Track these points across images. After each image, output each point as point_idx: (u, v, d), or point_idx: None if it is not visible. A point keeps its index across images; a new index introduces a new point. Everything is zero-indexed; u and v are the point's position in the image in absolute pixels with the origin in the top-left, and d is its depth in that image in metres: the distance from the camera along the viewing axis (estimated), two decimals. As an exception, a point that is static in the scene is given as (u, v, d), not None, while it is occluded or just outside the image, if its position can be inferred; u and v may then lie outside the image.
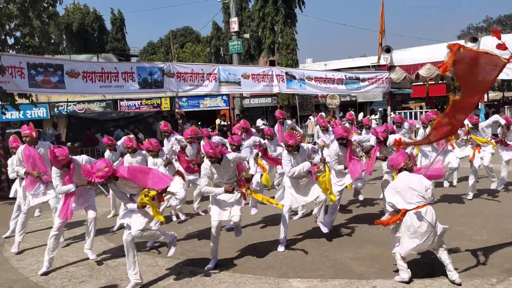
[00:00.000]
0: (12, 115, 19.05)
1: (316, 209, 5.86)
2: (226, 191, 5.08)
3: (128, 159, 7.13)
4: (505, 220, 6.54)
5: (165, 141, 8.36)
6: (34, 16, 10.92)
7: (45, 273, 5.20)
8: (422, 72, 16.31)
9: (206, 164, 5.20)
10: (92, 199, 5.80)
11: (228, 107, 25.10)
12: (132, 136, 8.30)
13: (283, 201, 5.89)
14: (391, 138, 6.37)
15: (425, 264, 4.93)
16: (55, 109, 22.32)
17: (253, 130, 9.99)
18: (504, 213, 6.94)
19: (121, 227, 6.31)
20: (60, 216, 5.38)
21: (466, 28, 43.90)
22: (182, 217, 7.54)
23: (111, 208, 8.09)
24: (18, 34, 11.21)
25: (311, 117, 23.81)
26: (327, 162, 6.09)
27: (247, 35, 26.21)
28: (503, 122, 8.15)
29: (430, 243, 4.33)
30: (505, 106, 15.95)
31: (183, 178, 7.09)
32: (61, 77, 10.83)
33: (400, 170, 4.62)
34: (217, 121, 20.68)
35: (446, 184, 8.45)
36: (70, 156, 5.41)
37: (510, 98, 27.79)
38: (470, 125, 8.02)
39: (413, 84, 24.54)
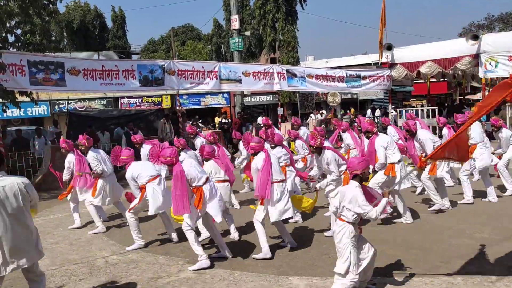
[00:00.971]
0: (13, 112, 19.11)
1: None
2: None
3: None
4: (506, 219, 6.54)
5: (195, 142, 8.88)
6: (35, 13, 10.93)
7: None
8: (423, 69, 16.27)
9: None
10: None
11: (229, 105, 25.08)
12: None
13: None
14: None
15: (426, 262, 4.93)
16: (56, 107, 22.33)
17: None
18: (505, 212, 6.93)
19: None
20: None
21: (468, 26, 43.81)
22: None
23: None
24: (18, 31, 11.24)
25: (312, 114, 23.78)
26: (320, 188, 6.06)
27: (248, 33, 26.16)
28: None
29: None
30: (506, 104, 15.89)
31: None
32: (62, 75, 10.84)
33: (354, 177, 4.11)
34: (216, 119, 20.57)
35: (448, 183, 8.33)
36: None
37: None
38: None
39: (414, 81, 24.51)
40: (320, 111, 25.36)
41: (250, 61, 32.71)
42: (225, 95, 24.64)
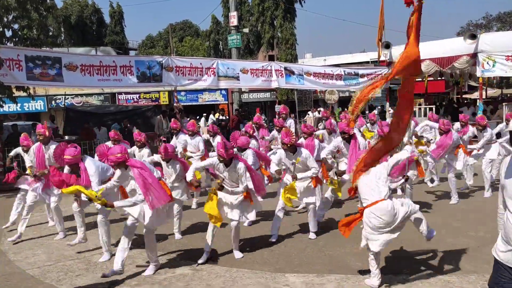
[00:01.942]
0: (9, 107, 19.01)
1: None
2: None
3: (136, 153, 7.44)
4: (502, 217, 6.56)
5: (174, 138, 8.73)
6: (32, 8, 10.87)
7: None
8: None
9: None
10: None
11: (227, 102, 25.05)
12: (137, 130, 8.29)
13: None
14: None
15: (421, 261, 4.95)
16: (53, 102, 22.23)
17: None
18: (500, 210, 6.96)
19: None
20: None
21: (466, 25, 43.82)
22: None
23: None
24: (16, 26, 11.17)
25: (309, 112, 23.76)
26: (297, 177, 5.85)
27: (246, 30, 26.12)
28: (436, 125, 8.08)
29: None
30: (503, 103, 15.94)
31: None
32: (59, 70, 10.77)
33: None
34: (212, 116, 20.45)
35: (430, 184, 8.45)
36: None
37: (508, 95, 27.79)
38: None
39: (412, 80, 24.47)
40: (318, 109, 25.34)
41: (248, 58, 32.65)
42: (223, 92, 24.60)
